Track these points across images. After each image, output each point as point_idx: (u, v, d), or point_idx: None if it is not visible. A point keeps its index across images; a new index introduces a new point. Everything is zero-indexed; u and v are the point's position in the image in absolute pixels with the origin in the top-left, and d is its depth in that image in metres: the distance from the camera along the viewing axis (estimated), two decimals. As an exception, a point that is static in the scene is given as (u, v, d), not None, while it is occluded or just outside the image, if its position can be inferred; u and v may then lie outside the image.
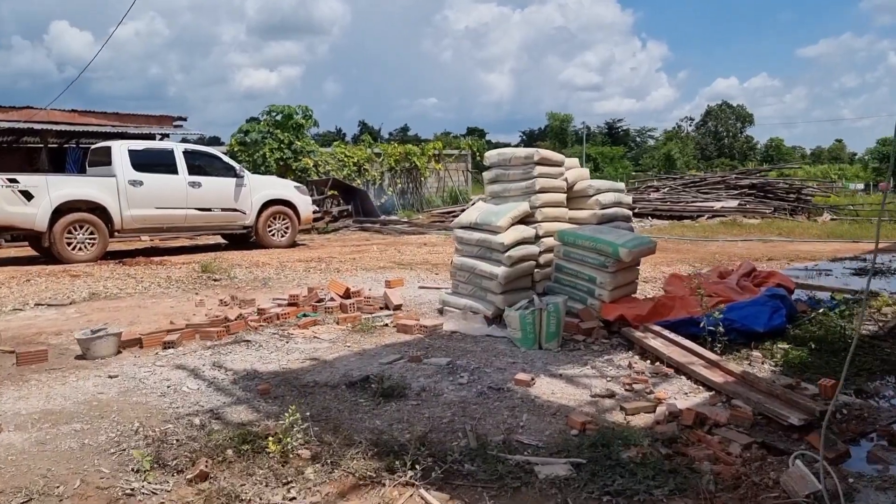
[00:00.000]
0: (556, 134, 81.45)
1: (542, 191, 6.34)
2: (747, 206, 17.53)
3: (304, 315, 6.35)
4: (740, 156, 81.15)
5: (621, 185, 7.05)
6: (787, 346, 5.04)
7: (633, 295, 6.27)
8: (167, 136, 19.26)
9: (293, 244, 13.37)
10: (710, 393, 4.23)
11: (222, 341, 5.58)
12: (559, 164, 6.55)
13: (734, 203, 17.72)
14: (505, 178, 6.54)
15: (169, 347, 5.38)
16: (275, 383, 4.49)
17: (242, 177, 12.63)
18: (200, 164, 12.36)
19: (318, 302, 6.66)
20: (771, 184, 19.64)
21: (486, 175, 6.72)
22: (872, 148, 67.33)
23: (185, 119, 20.77)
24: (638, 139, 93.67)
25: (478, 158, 30.05)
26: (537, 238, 6.31)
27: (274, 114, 22.38)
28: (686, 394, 4.26)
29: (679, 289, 6.93)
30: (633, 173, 54.32)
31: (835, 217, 17.80)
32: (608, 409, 3.98)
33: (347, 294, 6.87)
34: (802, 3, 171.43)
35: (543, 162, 6.37)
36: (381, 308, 6.64)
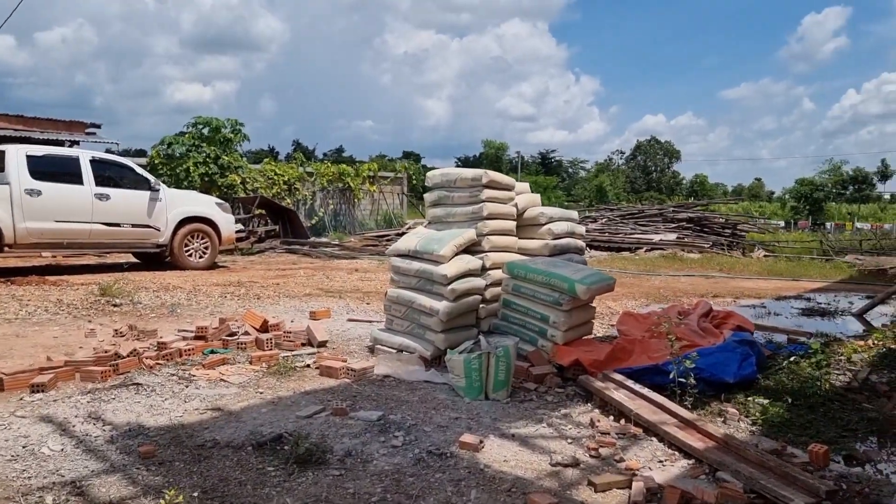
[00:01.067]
0: (492, 161, 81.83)
1: (491, 217, 5.67)
2: (685, 239, 17.41)
3: (212, 352, 5.46)
4: (667, 190, 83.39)
5: (574, 213, 6.47)
6: (765, 402, 4.46)
7: (587, 336, 5.63)
8: (77, 143, 17.84)
9: (212, 266, 12.31)
10: (690, 461, 3.59)
11: (107, 384, 4.64)
12: (509, 188, 5.90)
13: (673, 236, 17.58)
14: (449, 201, 5.85)
15: (38, 391, 4.41)
16: (163, 443, 3.62)
17: (158, 190, 11.54)
18: (110, 175, 11.22)
19: (230, 336, 5.77)
20: (707, 218, 19.68)
21: (428, 197, 6.02)
22: (791, 187, 70.06)
23: (98, 126, 19.36)
24: (570, 170, 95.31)
25: (414, 182, 29.41)
26: (484, 270, 5.62)
27: (200, 126, 21.19)
28: (661, 462, 3.59)
29: (634, 329, 6.36)
30: (566, 203, 54.81)
31: (767, 254, 17.86)
32: (573, 484, 3.27)
33: (265, 327, 6.00)
34: (726, 49, 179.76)
35: (492, 185, 5.71)
36: (304, 344, 5.80)
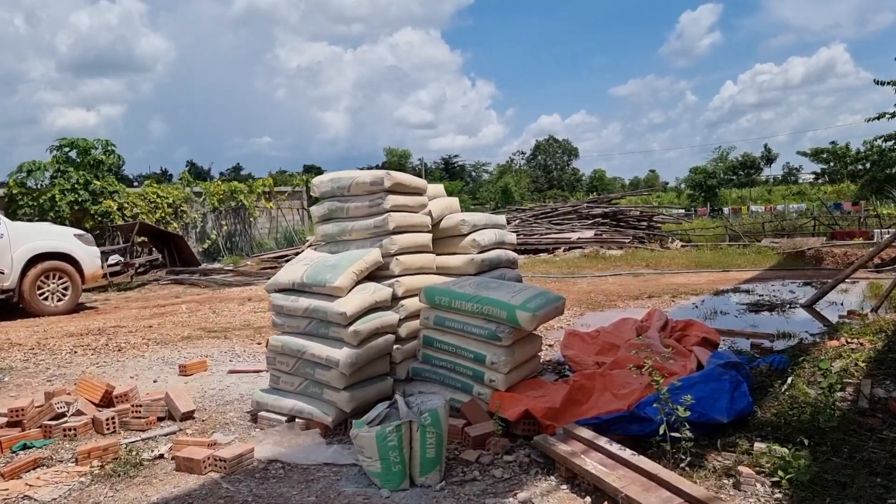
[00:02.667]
0: (395, 170, 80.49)
1: (399, 230, 4.39)
2: (604, 236, 16.65)
3: (25, 446, 3.92)
4: (569, 187, 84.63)
5: (501, 218, 5.26)
6: (784, 451, 3.35)
7: (535, 375, 4.43)
8: None
9: (75, 309, 10.42)
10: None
11: None
12: (419, 192, 4.64)
13: (590, 233, 16.80)
14: (343, 213, 4.52)
15: None
16: None
17: (-3, 224, 9.61)
18: (-68, 211, 9.23)
19: (56, 419, 4.23)
20: (623, 212, 19.06)
21: (317, 211, 4.67)
22: (686, 176, 72.24)
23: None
24: (473, 174, 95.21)
25: (314, 196, 27.70)
26: (396, 300, 4.34)
27: (66, 149, 18.87)
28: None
29: (583, 352, 5.24)
30: (473, 207, 54.20)
31: (684, 244, 17.40)
32: None
33: (107, 399, 4.49)
34: (612, 48, 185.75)
35: (397, 189, 4.43)
36: (162, 419, 4.34)
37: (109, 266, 14.65)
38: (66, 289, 10.30)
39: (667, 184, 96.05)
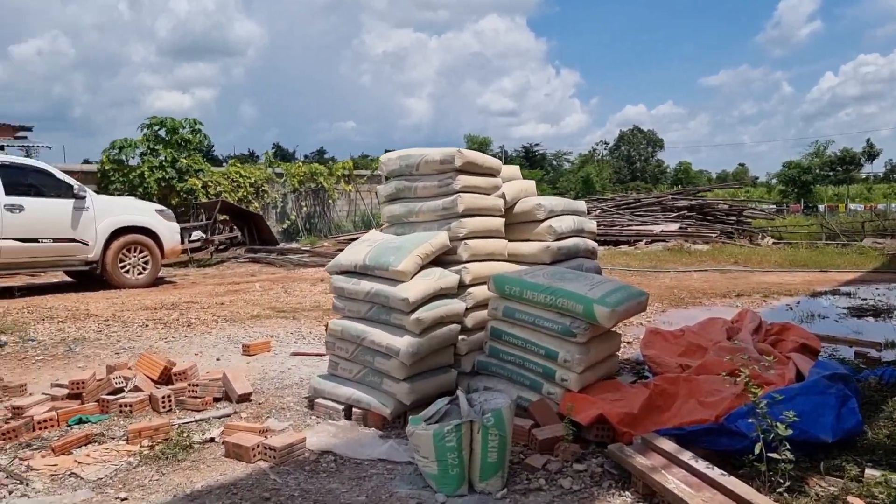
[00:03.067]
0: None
1: (469, 213, 4.09)
2: (689, 229, 15.87)
3: (81, 420, 3.85)
4: (652, 179, 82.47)
5: (581, 204, 4.89)
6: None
7: (612, 377, 4.07)
8: (2, 148, 16.05)
9: (155, 282, 10.64)
10: None
11: None
12: (493, 173, 4.32)
13: (675, 226, 16.03)
14: (410, 194, 4.26)
15: None
16: None
17: (83, 198, 9.85)
18: (24, 182, 9.52)
19: (114, 394, 4.16)
20: (710, 205, 18.10)
21: (384, 190, 4.43)
22: (778, 171, 69.07)
23: (30, 129, 17.51)
24: (554, 163, 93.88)
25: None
26: (463, 288, 4.05)
27: (156, 127, 19.45)
28: None
29: (666, 353, 4.83)
30: (552, 195, 53.31)
31: (777, 241, 16.40)
32: None
33: (165, 376, 4.40)
34: (703, 37, 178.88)
35: (469, 168, 4.13)
36: (218, 400, 4.21)
37: (191, 242, 15.00)
38: (146, 262, 10.51)
39: (756, 178, 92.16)
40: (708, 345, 4.88)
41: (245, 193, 20.93)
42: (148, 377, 4.35)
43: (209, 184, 19.78)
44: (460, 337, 4.01)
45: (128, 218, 10.36)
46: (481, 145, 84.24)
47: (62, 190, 9.76)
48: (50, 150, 17.80)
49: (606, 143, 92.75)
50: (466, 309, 4.02)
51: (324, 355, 5.24)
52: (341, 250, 16.00)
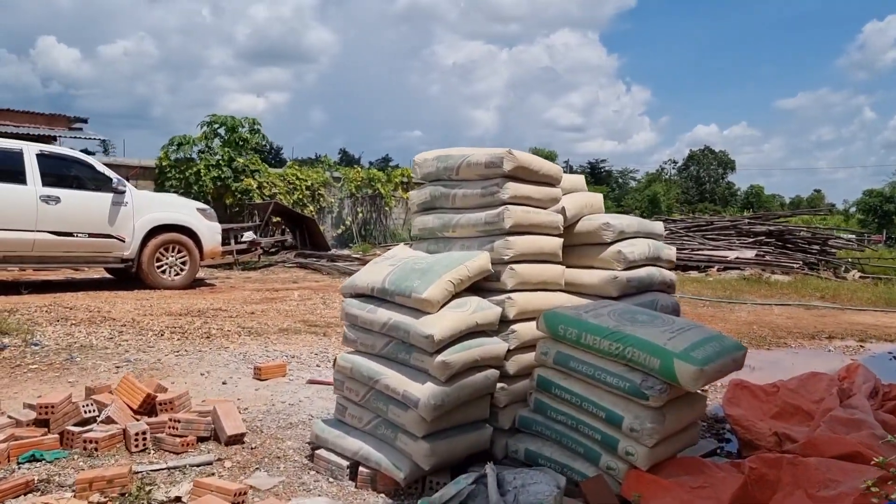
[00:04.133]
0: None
1: (518, 230, 3.28)
2: (767, 257, 14.58)
3: (34, 457, 3.19)
4: (721, 201, 79.83)
5: (658, 225, 4.01)
6: None
7: (687, 450, 3.18)
8: (55, 139, 15.96)
9: (190, 284, 10.15)
10: None
11: None
12: (551, 182, 3.50)
13: (751, 253, 14.76)
14: (447, 203, 3.48)
15: None
16: None
17: (123, 192, 9.43)
18: (62, 174, 9.15)
19: (84, 424, 3.50)
20: (791, 231, 16.66)
21: (416, 197, 3.66)
22: (858, 199, 65.74)
23: (85, 121, 17.43)
24: (620, 180, 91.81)
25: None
26: (505, 323, 3.23)
27: (216, 125, 19.28)
28: None
29: (754, 414, 3.91)
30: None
31: (864, 275, 14.96)
32: None
33: (149, 405, 3.72)
34: (782, 57, 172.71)
35: (521, 175, 3.32)
36: (205, 439, 3.50)
37: (239, 243, 14.60)
38: (184, 263, 10.03)
39: (833, 205, 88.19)
40: (809, 407, 3.93)
41: (301, 196, 20.56)
42: (128, 405, 3.67)
43: (265, 185, 19.48)
44: (499, 385, 3.19)
45: (167, 215, 9.90)
46: (547, 158, 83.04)
47: (100, 183, 9.36)
48: (104, 143, 17.71)
49: (675, 163, 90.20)
50: (508, 350, 3.20)
51: (343, 386, 4.51)
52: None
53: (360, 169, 23.58)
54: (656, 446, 2.80)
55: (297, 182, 20.62)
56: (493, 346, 3.10)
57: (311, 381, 4.77)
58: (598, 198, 3.87)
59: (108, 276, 10.92)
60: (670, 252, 3.94)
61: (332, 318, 7.69)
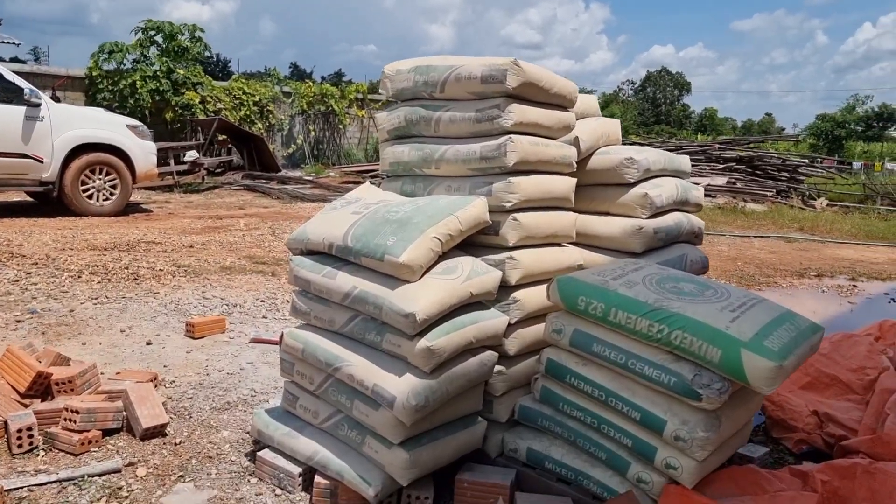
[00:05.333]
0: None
1: (524, 168, 2.49)
2: (738, 184, 14.10)
3: None
4: (676, 123, 79.80)
5: (685, 160, 3.26)
6: None
7: (736, 458, 2.54)
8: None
9: (122, 210, 9.11)
10: None
11: None
12: (564, 104, 2.69)
13: (722, 180, 14.23)
14: (429, 129, 2.64)
15: None
16: None
17: (38, 105, 8.24)
18: (-37, 83, 7.93)
19: (-52, 416, 2.68)
20: (762, 158, 16.12)
21: (385, 121, 2.82)
22: (810, 124, 66.17)
23: (-1, 23, 15.62)
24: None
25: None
26: (506, 289, 2.48)
27: (152, 32, 17.59)
28: None
29: (786, 387, 3.30)
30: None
31: (831, 203, 14.64)
32: None
33: (43, 385, 2.90)
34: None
35: (527, 94, 2.49)
36: (115, 431, 2.73)
37: (181, 163, 13.47)
38: (114, 187, 8.97)
39: (783, 129, 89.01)
40: (848, 377, 3.35)
41: (248, 113, 19.15)
42: (12, 387, 2.85)
43: (208, 99, 18.00)
44: (496, 370, 2.47)
45: (91, 133, 8.75)
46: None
47: (12, 94, 8.15)
48: (17, 47, 16.00)
49: (633, 83, 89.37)
50: (509, 325, 2.47)
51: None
52: (347, 183, 14.09)
53: (311, 84, 22.14)
54: (705, 462, 2.14)
55: (245, 97, 19.15)
56: (491, 321, 2.36)
57: (256, 340, 3.99)
58: (615, 125, 3.09)
59: (28, 199, 9.78)
60: (698, 193, 3.21)
61: (283, 252, 6.86)
